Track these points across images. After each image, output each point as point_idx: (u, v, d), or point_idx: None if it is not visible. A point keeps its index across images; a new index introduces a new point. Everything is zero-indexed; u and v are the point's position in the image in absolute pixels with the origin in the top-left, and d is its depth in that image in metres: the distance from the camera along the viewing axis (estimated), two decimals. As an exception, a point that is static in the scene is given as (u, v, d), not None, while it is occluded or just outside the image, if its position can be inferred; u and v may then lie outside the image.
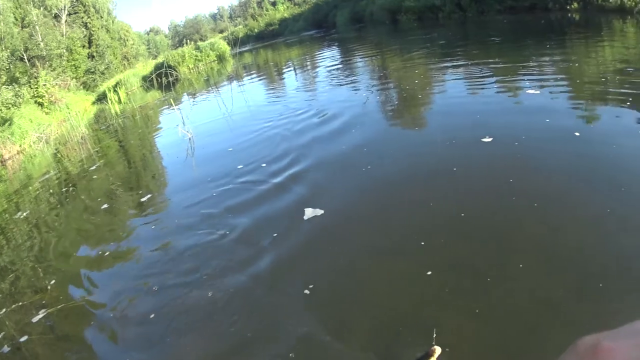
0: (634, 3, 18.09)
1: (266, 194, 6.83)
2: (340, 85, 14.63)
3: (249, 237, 5.62)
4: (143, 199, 8.03)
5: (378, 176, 6.39)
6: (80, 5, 63.06)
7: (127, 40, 78.79)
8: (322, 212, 5.69)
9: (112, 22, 74.88)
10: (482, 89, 10.57)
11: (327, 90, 14.48)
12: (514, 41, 16.84)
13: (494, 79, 11.40)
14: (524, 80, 10.66)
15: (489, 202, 5.08)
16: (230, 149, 9.51)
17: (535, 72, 11.32)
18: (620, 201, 4.52)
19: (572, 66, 11.34)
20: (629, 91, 7.98)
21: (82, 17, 62.32)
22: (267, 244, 5.28)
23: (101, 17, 70.46)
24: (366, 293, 4.09)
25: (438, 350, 2.71)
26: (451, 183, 5.67)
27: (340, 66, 19.57)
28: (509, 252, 4.11)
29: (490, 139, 6.75)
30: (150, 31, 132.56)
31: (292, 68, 23.43)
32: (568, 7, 22.00)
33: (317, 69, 20.27)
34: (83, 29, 60.88)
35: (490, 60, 13.62)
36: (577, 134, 6.49)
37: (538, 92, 9.33)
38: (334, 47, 30.46)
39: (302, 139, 9.17)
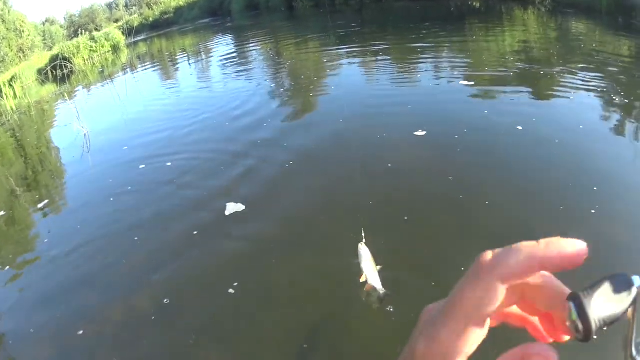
0: None
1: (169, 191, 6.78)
2: (237, 74, 14.64)
3: (162, 238, 5.50)
4: (40, 205, 7.57)
5: (304, 175, 6.26)
6: None
7: (22, 31, 74.42)
8: (243, 207, 5.61)
9: (8, 12, 70.43)
10: (377, 74, 10.97)
11: (220, 79, 14.47)
12: (412, 28, 17.03)
13: (389, 64, 11.81)
14: (420, 65, 11.08)
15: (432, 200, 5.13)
16: (126, 148, 9.25)
17: (433, 58, 11.76)
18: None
19: (472, 51, 11.95)
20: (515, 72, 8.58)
21: (-23, 7, 58.44)
22: (186, 244, 5.16)
23: (-4, 7, 66.41)
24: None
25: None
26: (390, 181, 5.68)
27: (234, 55, 19.49)
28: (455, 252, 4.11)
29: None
30: (45, 21, 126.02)
31: (186, 57, 23.08)
32: None
33: (211, 58, 20.09)
34: (-22, 19, 57.16)
35: (385, 46, 13.97)
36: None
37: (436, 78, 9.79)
38: (228, 35, 30.10)
39: (199, 134, 9.05)
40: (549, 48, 11.20)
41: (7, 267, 5.89)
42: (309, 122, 8.50)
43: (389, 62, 12.00)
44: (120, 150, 9.21)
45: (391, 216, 4.77)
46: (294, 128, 8.40)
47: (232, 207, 5.66)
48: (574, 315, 0.48)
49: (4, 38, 59.19)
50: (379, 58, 12.55)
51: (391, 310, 3.48)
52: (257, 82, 12.69)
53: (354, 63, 12.33)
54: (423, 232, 4.50)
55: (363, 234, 2.96)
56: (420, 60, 11.37)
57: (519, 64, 9.88)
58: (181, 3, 69.31)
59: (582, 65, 9.11)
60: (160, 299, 4.28)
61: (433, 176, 5.41)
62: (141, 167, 7.80)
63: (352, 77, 10.85)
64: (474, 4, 21.34)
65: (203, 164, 7.34)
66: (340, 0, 31.26)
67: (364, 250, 2.82)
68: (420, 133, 6.41)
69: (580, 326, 0.47)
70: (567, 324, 0.48)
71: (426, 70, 10.31)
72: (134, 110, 12.78)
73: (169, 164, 7.58)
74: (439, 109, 7.63)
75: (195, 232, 5.29)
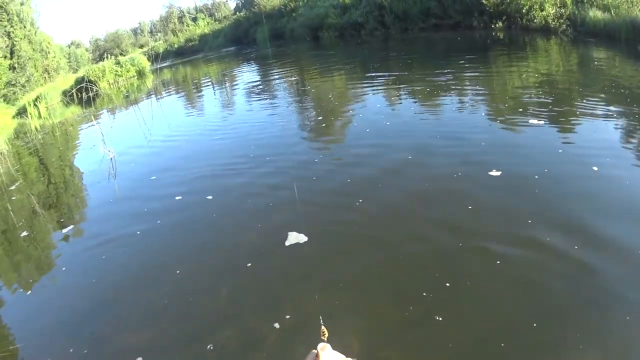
0: (558, 23, 18.81)
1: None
2: (260, 105, 14.51)
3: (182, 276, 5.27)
4: (65, 230, 7.33)
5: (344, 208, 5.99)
6: (4, 13, 59.81)
7: (48, 52, 75.45)
8: (306, 238, 5.36)
9: (35, 33, 71.53)
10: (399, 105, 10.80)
11: (244, 108, 14.35)
12: (437, 57, 17.22)
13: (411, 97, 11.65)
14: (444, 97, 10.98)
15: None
16: (154, 177, 8.98)
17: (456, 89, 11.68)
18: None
19: (491, 84, 11.82)
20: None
21: (5, 26, 59.11)
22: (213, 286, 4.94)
23: (24, 27, 67.26)
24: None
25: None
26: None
27: (258, 83, 19.46)
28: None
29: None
30: (71, 44, 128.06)
31: (210, 85, 23.13)
32: (493, 26, 22.42)
33: (235, 86, 20.07)
34: (5, 39, 57.84)
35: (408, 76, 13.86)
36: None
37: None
38: (252, 64, 30.23)
39: (226, 165, 8.81)
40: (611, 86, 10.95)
41: (23, 288, 5.76)
42: (370, 155, 7.93)
43: (418, 94, 11.78)
44: (148, 179, 9.01)
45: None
46: (348, 161, 7.91)
47: (293, 237, 5.44)
48: None
49: (30, 58, 59.98)
50: (410, 90, 12.41)
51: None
52: (283, 113, 12.60)
53: (402, 98, 12.06)
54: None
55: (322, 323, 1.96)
56: (465, 94, 11.17)
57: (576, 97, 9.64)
58: (206, 31, 70.23)
59: None
60: (203, 345, 3.99)
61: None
62: (177, 198, 7.52)
63: (403, 112, 10.44)
64: (498, 34, 21.20)
65: (240, 198, 7.05)
66: (366, 30, 31.13)
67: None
68: (495, 173, 6.11)
69: None
70: None
71: (473, 105, 10.07)
72: (160, 136, 12.62)
73: (209, 197, 7.27)
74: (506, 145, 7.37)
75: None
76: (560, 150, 6.56)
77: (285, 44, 38.25)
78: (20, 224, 8.33)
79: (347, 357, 1.76)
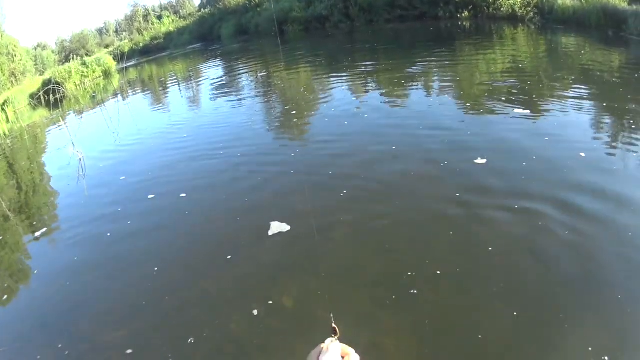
0: (525, 11, 19.09)
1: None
2: (227, 101, 14.57)
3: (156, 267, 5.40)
4: (37, 233, 7.34)
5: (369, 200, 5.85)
6: None
7: (14, 56, 74.06)
8: (288, 227, 5.46)
9: (1, 36, 70.21)
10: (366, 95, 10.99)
11: (211, 106, 14.42)
12: (403, 48, 17.67)
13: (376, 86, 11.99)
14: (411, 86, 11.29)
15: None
16: (123, 177, 8.97)
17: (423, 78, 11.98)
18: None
19: (458, 73, 12.08)
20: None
21: (-30, 30, 57.98)
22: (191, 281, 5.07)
23: (-12, 30, 65.96)
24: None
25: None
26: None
27: (224, 80, 19.51)
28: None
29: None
30: (37, 46, 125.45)
31: (176, 83, 23.09)
32: (459, 16, 22.95)
33: (201, 84, 20.08)
34: (-32, 42, 56.74)
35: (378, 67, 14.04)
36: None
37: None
38: (218, 60, 30.15)
39: (197, 162, 8.89)
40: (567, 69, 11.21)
41: None
42: (358, 149, 7.86)
43: (389, 86, 11.93)
44: (118, 179, 8.99)
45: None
46: (329, 154, 7.84)
47: (275, 226, 5.55)
48: None
49: None
50: (381, 81, 12.57)
51: None
52: (250, 108, 12.70)
53: (373, 89, 12.14)
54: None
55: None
56: (435, 84, 11.46)
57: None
58: (171, 28, 69.55)
59: None
60: (184, 338, 4.18)
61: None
62: (150, 197, 7.54)
63: (373, 103, 10.57)
64: (464, 23, 21.71)
65: (215, 194, 7.09)
66: (331, 23, 31.42)
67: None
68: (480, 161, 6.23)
69: None
70: None
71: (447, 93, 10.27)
72: (128, 136, 12.63)
73: (183, 195, 7.29)
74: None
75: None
76: (546, 138, 6.71)
77: (250, 39, 38.08)
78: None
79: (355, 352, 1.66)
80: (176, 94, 19.17)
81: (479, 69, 12.16)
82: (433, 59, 13.88)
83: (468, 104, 9.02)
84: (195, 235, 6.02)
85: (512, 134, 6.96)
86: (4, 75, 59.78)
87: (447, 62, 13.40)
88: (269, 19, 37.56)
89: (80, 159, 10.89)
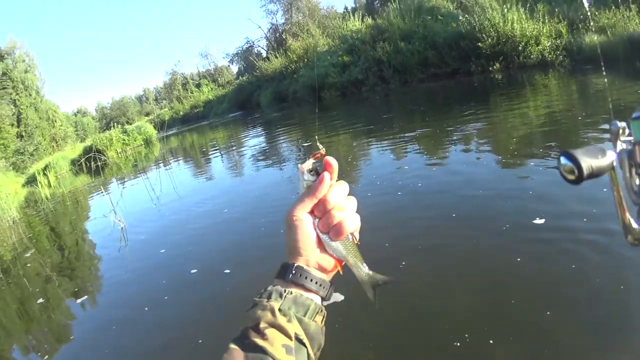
0: (554, 55, 19.32)
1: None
2: (269, 170, 14.89)
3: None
4: (79, 300, 7.56)
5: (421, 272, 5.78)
6: (8, 81, 61.08)
7: (55, 121, 76.77)
8: (342, 297, 5.17)
9: (41, 101, 72.85)
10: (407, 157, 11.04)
11: (253, 175, 14.71)
12: (439, 108, 17.84)
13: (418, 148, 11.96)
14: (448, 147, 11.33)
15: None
16: (163, 250, 9.12)
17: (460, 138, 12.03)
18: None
19: (496, 129, 12.17)
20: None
21: (11, 94, 60.27)
22: None
23: (29, 94, 68.50)
24: None
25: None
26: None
27: (265, 148, 19.99)
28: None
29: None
30: (77, 112, 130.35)
31: (218, 151, 23.67)
32: (490, 69, 23.21)
33: (243, 152, 20.61)
34: (12, 106, 58.91)
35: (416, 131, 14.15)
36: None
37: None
38: (258, 128, 30.91)
39: (237, 236, 8.94)
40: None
41: (39, 356, 5.98)
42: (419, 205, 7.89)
43: (429, 149, 11.78)
44: (159, 251, 9.14)
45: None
46: (379, 224, 7.79)
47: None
48: (565, 165, 0.88)
49: (37, 127, 61.23)
50: (420, 144, 12.53)
51: None
52: (293, 177, 12.67)
53: (415, 153, 11.89)
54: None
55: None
56: (474, 144, 11.38)
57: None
58: (210, 97, 71.62)
59: None
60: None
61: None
62: (192, 271, 7.48)
63: (416, 168, 10.30)
64: (497, 76, 21.99)
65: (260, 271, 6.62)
66: (367, 87, 32.10)
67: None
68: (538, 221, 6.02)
69: (575, 171, 0.86)
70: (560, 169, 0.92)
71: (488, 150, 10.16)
72: (169, 206, 13.00)
73: (227, 271, 7.14)
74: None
75: None
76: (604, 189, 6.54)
77: (289, 106, 38.81)
78: (36, 291, 8.70)
79: None
80: (218, 163, 19.69)
81: (515, 122, 12.32)
82: (469, 117, 14.00)
83: (510, 160, 9.09)
84: (239, 313, 5.96)
85: (563, 188, 6.73)
86: (44, 140, 62.09)
87: (484, 119, 13.52)
88: (306, 86, 38.65)
89: (122, 228, 11.23)
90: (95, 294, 7.99)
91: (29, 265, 10.77)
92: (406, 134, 14.13)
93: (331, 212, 1.09)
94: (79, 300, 7.59)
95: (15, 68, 70.29)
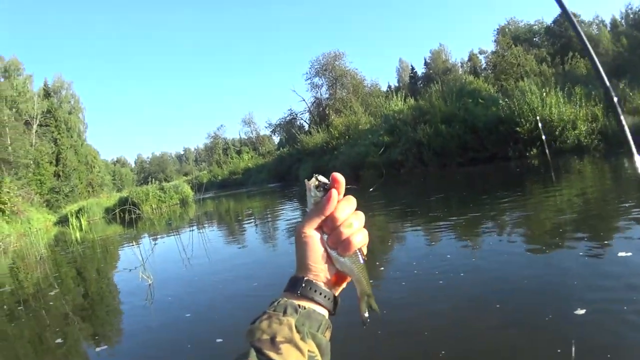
0: (590, 140, 19.40)
1: None
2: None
3: None
4: (98, 349, 7.60)
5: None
6: (52, 119, 63.38)
7: (93, 166, 78.63)
8: None
9: (81, 144, 74.92)
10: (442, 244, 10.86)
11: (286, 248, 14.49)
12: (477, 194, 17.85)
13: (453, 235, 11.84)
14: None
15: None
16: (189, 315, 9.00)
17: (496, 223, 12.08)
18: None
19: (533, 216, 12.15)
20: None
21: (53, 132, 62.37)
22: None
23: (71, 136, 70.55)
24: None
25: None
26: None
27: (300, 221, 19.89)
28: None
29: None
30: (116, 162, 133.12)
31: (253, 220, 23.86)
32: (527, 154, 23.66)
33: (278, 224, 20.80)
34: (52, 145, 60.71)
35: (453, 217, 14.16)
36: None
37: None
38: (295, 201, 31.15)
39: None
40: None
41: None
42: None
43: (467, 235, 11.64)
44: (184, 315, 9.06)
45: None
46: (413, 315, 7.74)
47: None
48: None
49: (75, 169, 62.98)
50: (459, 230, 12.30)
51: None
52: None
53: (453, 239, 11.77)
54: None
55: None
56: (512, 231, 11.33)
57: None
58: (250, 164, 72.65)
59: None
60: None
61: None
62: (218, 341, 7.36)
63: (453, 254, 10.13)
64: (533, 161, 22.33)
65: None
66: (405, 168, 32.38)
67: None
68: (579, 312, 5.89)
69: None
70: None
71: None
72: (199, 269, 13.08)
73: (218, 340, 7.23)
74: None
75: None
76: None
77: None
78: (56, 329, 8.84)
79: None
80: (252, 232, 19.89)
81: (552, 209, 12.30)
82: (507, 204, 14.08)
83: (547, 249, 9.03)
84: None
85: (604, 278, 6.83)
86: (81, 183, 63.70)
87: (522, 206, 13.53)
88: (346, 163, 38.48)
89: (149, 284, 11.33)
90: (115, 345, 8.01)
91: (51, 303, 10.95)
92: (445, 219, 14.11)
93: (339, 228, 1.14)
94: (97, 349, 7.65)
95: (60, 108, 73.14)
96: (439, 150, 30.62)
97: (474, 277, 8.50)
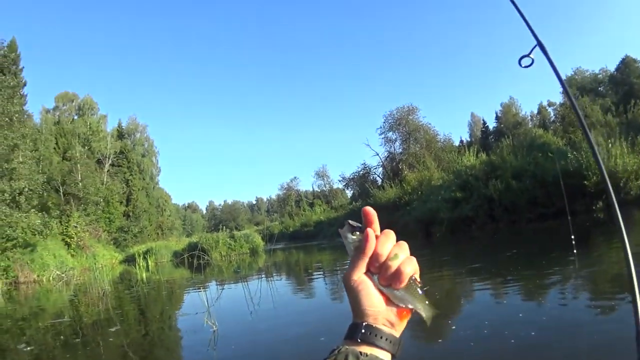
0: None
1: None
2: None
3: None
4: None
5: None
6: (124, 160, 66.18)
7: (164, 210, 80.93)
8: None
9: (154, 187, 77.67)
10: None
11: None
12: (545, 252, 17.31)
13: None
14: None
15: None
16: None
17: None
18: None
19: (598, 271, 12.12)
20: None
21: (125, 173, 65.03)
22: None
23: (143, 178, 73.16)
24: None
25: None
26: None
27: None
28: None
29: None
30: (188, 207, 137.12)
31: (322, 274, 23.44)
32: (593, 207, 23.59)
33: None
34: (124, 185, 63.34)
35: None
36: None
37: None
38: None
39: None
40: None
41: None
42: None
43: (541, 297, 11.13)
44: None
45: None
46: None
47: None
48: None
49: (145, 211, 65.09)
50: (532, 292, 11.77)
51: None
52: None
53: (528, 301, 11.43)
54: None
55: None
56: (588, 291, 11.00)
57: None
58: (322, 217, 72.67)
59: None
60: None
61: None
62: None
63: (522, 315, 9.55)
64: (599, 215, 22.32)
65: None
66: (476, 225, 32.04)
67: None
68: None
69: None
70: None
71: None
72: (265, 319, 12.63)
73: None
74: None
75: None
76: None
77: (399, 238, 38.82)
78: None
79: None
80: (320, 285, 19.47)
81: (615, 268, 11.96)
82: (571, 265, 13.35)
83: (619, 302, 8.62)
84: None
85: None
86: (150, 225, 65.40)
87: (586, 264, 13.10)
88: (418, 220, 38.42)
89: (213, 331, 10.88)
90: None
91: (110, 339, 10.77)
92: (514, 277, 13.70)
93: (386, 264, 1.12)
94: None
95: (134, 150, 76.16)
96: (509, 206, 30.42)
97: (546, 336, 8.00)
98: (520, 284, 12.62)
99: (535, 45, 3.52)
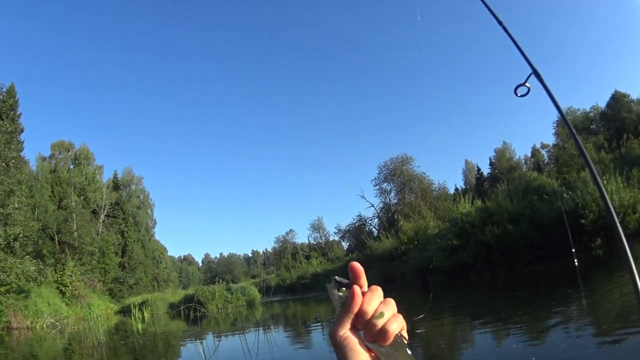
0: None
1: None
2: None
3: None
4: None
5: None
6: (120, 211, 66.43)
7: (160, 262, 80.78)
8: None
9: (149, 239, 77.53)
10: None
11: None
12: (544, 294, 17.62)
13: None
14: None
15: None
16: None
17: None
18: None
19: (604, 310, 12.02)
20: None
21: (120, 224, 65.10)
22: None
23: (139, 230, 73.17)
24: None
25: None
26: None
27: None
28: None
29: None
30: (184, 259, 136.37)
31: (320, 327, 23.46)
32: (592, 245, 23.57)
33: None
34: (119, 236, 63.33)
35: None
36: None
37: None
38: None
39: None
40: None
41: None
42: None
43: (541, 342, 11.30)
44: None
45: None
46: None
47: None
48: None
49: (140, 262, 64.92)
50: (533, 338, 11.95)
51: None
52: None
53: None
54: None
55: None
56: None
57: None
58: (318, 270, 72.17)
59: None
60: None
61: None
62: None
63: None
64: (598, 252, 22.41)
65: None
66: (474, 271, 32.12)
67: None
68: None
69: None
70: None
71: None
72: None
73: None
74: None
75: None
76: None
77: (396, 288, 38.76)
78: None
79: None
80: (318, 337, 19.39)
81: (618, 304, 12.12)
82: (574, 305, 13.81)
83: (620, 337, 8.91)
84: None
85: None
86: (146, 277, 65.25)
87: (586, 305, 13.26)
88: (414, 269, 38.33)
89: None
90: None
91: None
92: (513, 320, 13.87)
93: (372, 321, 1.13)
94: None
95: (129, 201, 76.48)
96: (506, 251, 30.48)
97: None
98: (521, 327, 12.79)
99: (531, 73, 3.68)
